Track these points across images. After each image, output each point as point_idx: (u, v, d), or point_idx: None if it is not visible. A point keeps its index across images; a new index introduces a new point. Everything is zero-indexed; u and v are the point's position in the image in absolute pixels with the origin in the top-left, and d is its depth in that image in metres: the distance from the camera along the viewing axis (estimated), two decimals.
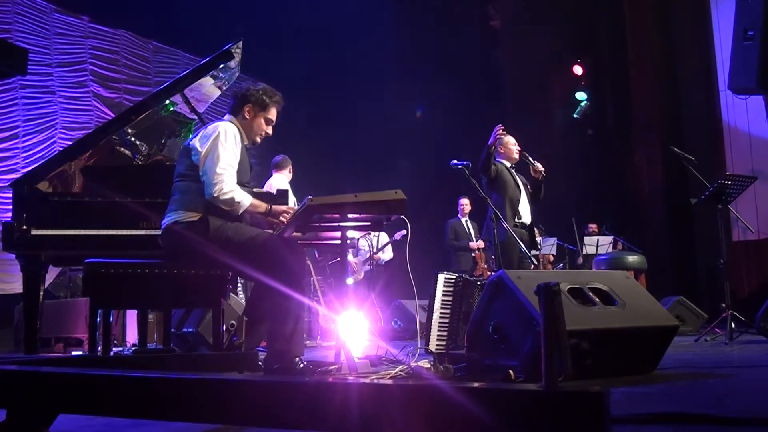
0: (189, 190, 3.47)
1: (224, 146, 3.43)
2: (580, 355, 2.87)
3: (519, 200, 5.83)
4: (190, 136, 3.63)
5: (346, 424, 1.28)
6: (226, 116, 3.69)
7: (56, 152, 7.56)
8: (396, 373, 3.23)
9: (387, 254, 8.73)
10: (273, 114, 3.70)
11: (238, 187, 3.44)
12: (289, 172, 7.11)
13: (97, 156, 4.58)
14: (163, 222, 3.50)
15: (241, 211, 3.46)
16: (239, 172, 3.51)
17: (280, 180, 6.85)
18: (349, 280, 8.16)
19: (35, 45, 8.76)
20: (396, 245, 8.56)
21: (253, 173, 3.85)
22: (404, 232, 7.73)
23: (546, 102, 11.76)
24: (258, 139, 3.71)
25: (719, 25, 9.43)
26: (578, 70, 11.50)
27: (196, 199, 3.43)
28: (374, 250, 8.39)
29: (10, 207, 4.15)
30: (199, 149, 3.44)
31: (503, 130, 5.72)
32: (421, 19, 11.25)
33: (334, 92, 11.53)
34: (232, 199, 3.39)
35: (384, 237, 8.58)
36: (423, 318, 4.51)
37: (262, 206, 3.55)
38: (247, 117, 3.63)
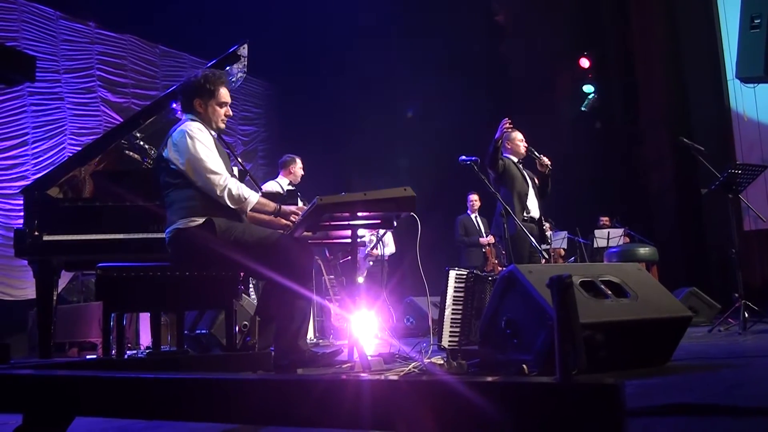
0: (182, 197, 3.42)
1: (203, 145, 3.39)
2: (593, 348, 2.86)
3: (527, 195, 5.82)
4: (162, 146, 3.56)
5: (360, 421, 1.28)
6: (183, 117, 3.62)
7: (66, 158, 7.61)
8: (409, 370, 3.24)
9: (389, 248, 8.70)
10: (223, 96, 3.61)
11: (241, 183, 3.44)
12: (291, 171, 7.04)
13: (107, 161, 4.60)
14: (166, 231, 3.48)
15: (249, 209, 3.44)
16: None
17: (272, 184, 6.81)
18: (360, 279, 8.17)
19: (42, 52, 8.80)
20: (405, 241, 8.54)
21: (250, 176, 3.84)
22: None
23: (553, 96, 11.71)
24: (222, 125, 3.64)
25: (725, 14, 9.40)
26: (585, 62, 11.45)
27: (194, 205, 3.39)
28: (371, 246, 8.36)
29: (22, 214, 4.17)
30: (178, 161, 3.39)
31: (510, 124, 5.70)
32: (426, 15, 11.22)
33: (339, 89, 11.52)
34: (240, 195, 3.38)
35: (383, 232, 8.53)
36: (435, 315, 4.51)
37: (271, 205, 3.54)
38: (200, 110, 3.56)
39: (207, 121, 3.58)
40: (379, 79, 11.23)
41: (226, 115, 3.65)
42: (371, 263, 8.64)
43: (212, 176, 3.35)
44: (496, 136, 5.67)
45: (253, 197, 3.44)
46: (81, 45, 9.39)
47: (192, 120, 3.54)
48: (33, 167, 8.56)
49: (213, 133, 3.59)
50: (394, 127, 11.47)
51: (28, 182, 5.96)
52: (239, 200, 3.39)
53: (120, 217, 4.12)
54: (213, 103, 3.58)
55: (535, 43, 11.08)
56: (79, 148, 7.47)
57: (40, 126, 8.80)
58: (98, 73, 9.55)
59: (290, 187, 6.74)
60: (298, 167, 7.07)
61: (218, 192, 3.35)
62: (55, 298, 4.08)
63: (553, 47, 11.16)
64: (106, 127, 9.12)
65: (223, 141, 3.90)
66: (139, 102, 9.64)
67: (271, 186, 6.70)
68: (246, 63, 4.65)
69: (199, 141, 3.41)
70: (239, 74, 4.77)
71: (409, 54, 11.12)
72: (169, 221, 3.47)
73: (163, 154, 3.47)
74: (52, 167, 5.45)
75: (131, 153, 4.69)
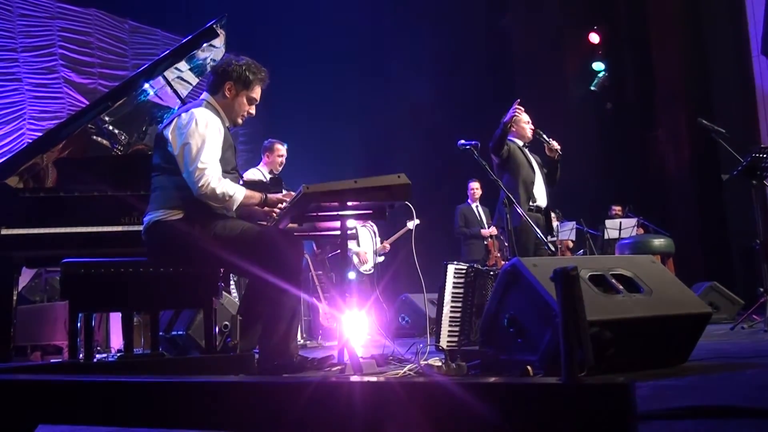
0: (168, 185, 3.43)
1: (202, 137, 3.36)
2: (602, 345, 2.87)
3: (533, 182, 5.81)
4: (163, 122, 3.58)
5: (351, 428, 1.29)
6: (204, 94, 3.63)
7: (25, 144, 7.57)
8: (404, 372, 3.25)
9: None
10: (257, 92, 3.64)
11: (226, 180, 3.40)
12: (268, 157, 6.95)
13: (72, 147, 4.58)
14: (144, 219, 3.48)
15: (234, 207, 3.43)
16: (223, 160, 3.46)
17: (254, 172, 6.76)
18: (352, 275, 8.18)
19: None
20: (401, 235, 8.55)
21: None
22: (417, 221, 7.68)
23: (560, 74, 11.72)
24: (240, 120, 3.65)
25: None
26: (594, 38, 11.45)
27: (177, 196, 3.39)
28: (378, 239, 8.36)
29: None
30: (175, 143, 3.39)
31: (521, 107, 5.70)
32: None
33: (328, 69, 11.47)
34: (224, 194, 3.34)
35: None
36: (432, 313, 4.52)
37: (256, 196, 3.52)
38: (228, 95, 3.57)
39: (228, 110, 3.59)
40: (371, 58, 11.20)
41: (248, 113, 3.66)
42: (383, 258, 8.63)
43: (194, 172, 3.32)
44: (506, 119, 5.63)
45: (238, 194, 3.41)
46: (41, 20, 9.33)
47: (207, 106, 3.53)
48: None
49: (227, 124, 3.60)
50: (387, 110, 11.44)
51: None
52: (222, 199, 3.36)
53: (87, 209, 4.10)
54: (243, 95, 3.59)
55: (540, 17, 11.06)
56: (40, 134, 7.44)
57: None
58: (60, 51, 9.49)
59: (271, 175, 6.71)
60: (276, 154, 6.93)
61: (199, 191, 3.31)
62: (15, 297, 4.07)
63: (559, 21, 11.15)
64: (70, 110, 9.09)
65: None
66: (106, 83, 9.60)
67: (252, 174, 6.67)
68: (225, 39, 4.63)
69: (205, 128, 3.39)
70: (217, 52, 4.74)
71: (404, 30, 11.10)
72: (149, 207, 3.47)
73: (164, 133, 3.47)
74: (9, 154, 5.42)
75: (99, 139, 4.68)
